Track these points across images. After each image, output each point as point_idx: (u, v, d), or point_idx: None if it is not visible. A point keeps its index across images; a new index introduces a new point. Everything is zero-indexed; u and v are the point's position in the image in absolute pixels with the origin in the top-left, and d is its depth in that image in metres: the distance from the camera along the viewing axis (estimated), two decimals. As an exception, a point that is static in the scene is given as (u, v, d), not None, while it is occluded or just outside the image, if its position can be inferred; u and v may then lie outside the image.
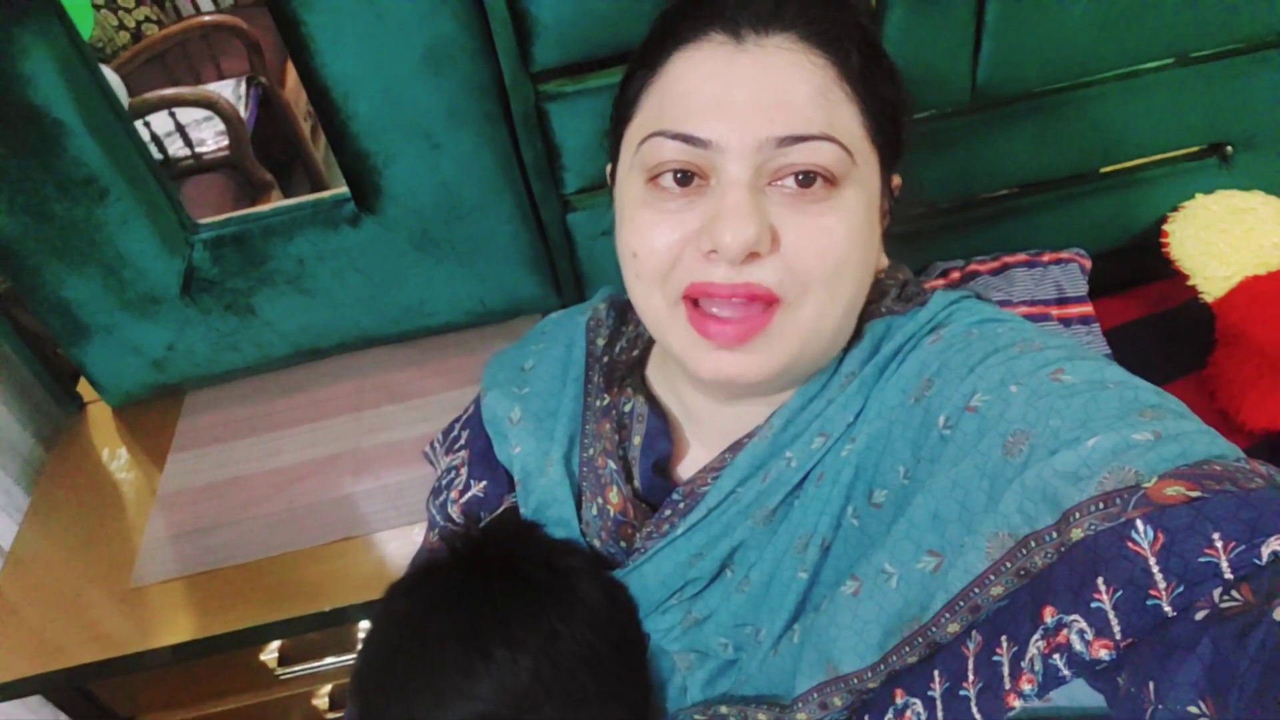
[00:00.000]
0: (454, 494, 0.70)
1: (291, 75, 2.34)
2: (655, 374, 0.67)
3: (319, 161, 2.22)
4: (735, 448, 0.58)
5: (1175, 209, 1.07)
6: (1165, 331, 1.09)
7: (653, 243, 0.52)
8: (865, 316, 0.58)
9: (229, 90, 2.07)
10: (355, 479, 1.04)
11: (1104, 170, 1.07)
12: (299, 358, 1.17)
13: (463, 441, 0.73)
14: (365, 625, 1.00)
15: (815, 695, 0.52)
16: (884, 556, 0.50)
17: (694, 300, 0.52)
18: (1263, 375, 0.94)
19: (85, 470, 1.14)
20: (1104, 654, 0.37)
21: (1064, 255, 1.07)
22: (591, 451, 0.64)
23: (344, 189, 1.03)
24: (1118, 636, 0.37)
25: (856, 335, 0.57)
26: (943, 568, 0.47)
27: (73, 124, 0.93)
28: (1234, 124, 1.02)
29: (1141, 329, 1.10)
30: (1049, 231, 1.08)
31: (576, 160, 1.00)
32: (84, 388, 1.22)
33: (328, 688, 1.05)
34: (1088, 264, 1.07)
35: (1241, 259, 0.99)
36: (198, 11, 2.57)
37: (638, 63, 0.55)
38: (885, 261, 0.59)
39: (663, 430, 0.63)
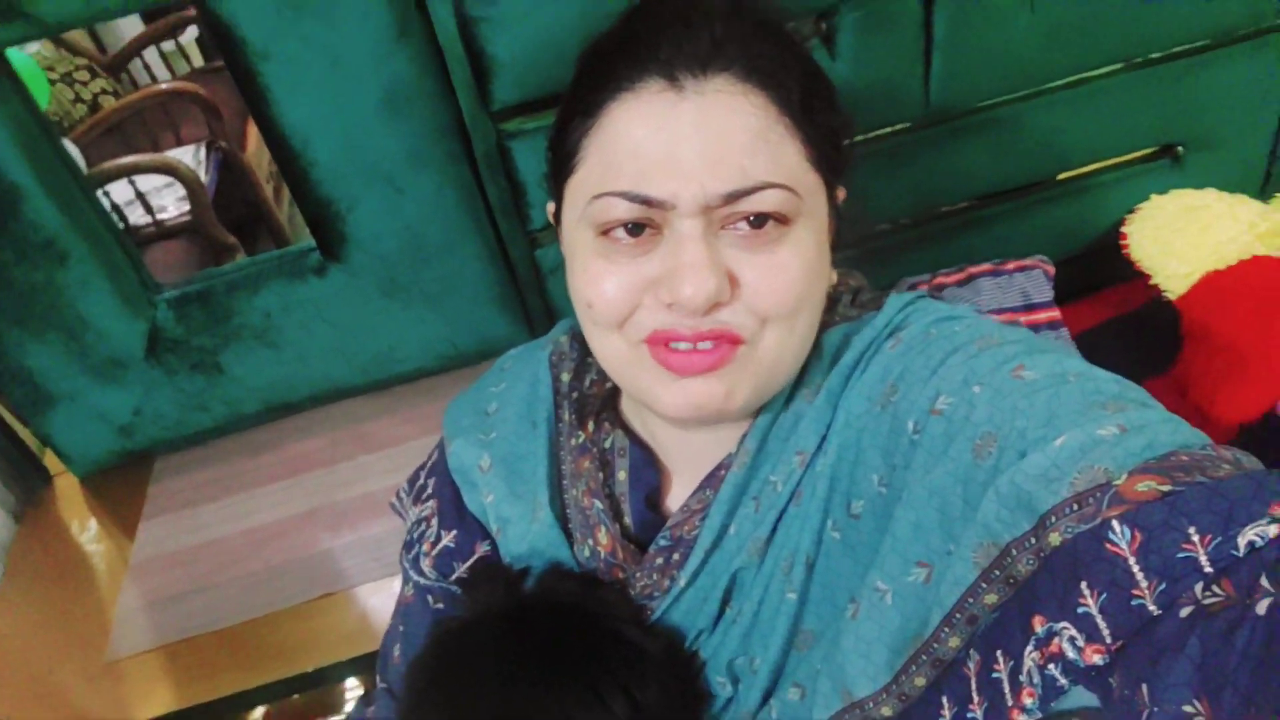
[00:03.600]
0: (425, 546, 0.67)
1: (252, 138, 2.33)
2: (628, 406, 0.65)
3: (283, 222, 2.21)
4: (713, 481, 0.57)
5: (1132, 211, 1.09)
6: (1133, 332, 1.10)
7: (607, 293, 0.51)
8: (820, 328, 0.57)
9: (189, 156, 2.06)
10: (333, 533, 1.02)
11: (1060, 177, 1.09)
12: (269, 414, 1.15)
13: (430, 490, 0.70)
14: (351, 683, 0.97)
15: None
16: (876, 575, 0.49)
17: (658, 342, 0.52)
18: (1232, 369, 0.95)
19: (54, 544, 1.10)
20: (1097, 659, 0.37)
21: (1027, 263, 1.08)
22: (575, 492, 0.62)
23: (309, 241, 1.03)
24: (1108, 640, 0.37)
25: (814, 347, 0.56)
26: (933, 578, 0.46)
27: (29, 188, 0.92)
28: (1183, 125, 1.04)
29: (1109, 331, 1.11)
30: (1011, 241, 1.10)
31: (542, 196, 1.00)
32: (51, 460, 1.19)
33: (315, 752, 1.02)
34: (1051, 270, 1.08)
35: (1200, 256, 1.01)
36: (154, 81, 2.57)
37: (572, 108, 0.53)
38: (835, 277, 0.58)
39: (649, 461, 0.61)
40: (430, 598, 0.65)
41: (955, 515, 0.45)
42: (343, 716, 0.99)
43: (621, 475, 0.61)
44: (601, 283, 0.51)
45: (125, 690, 0.92)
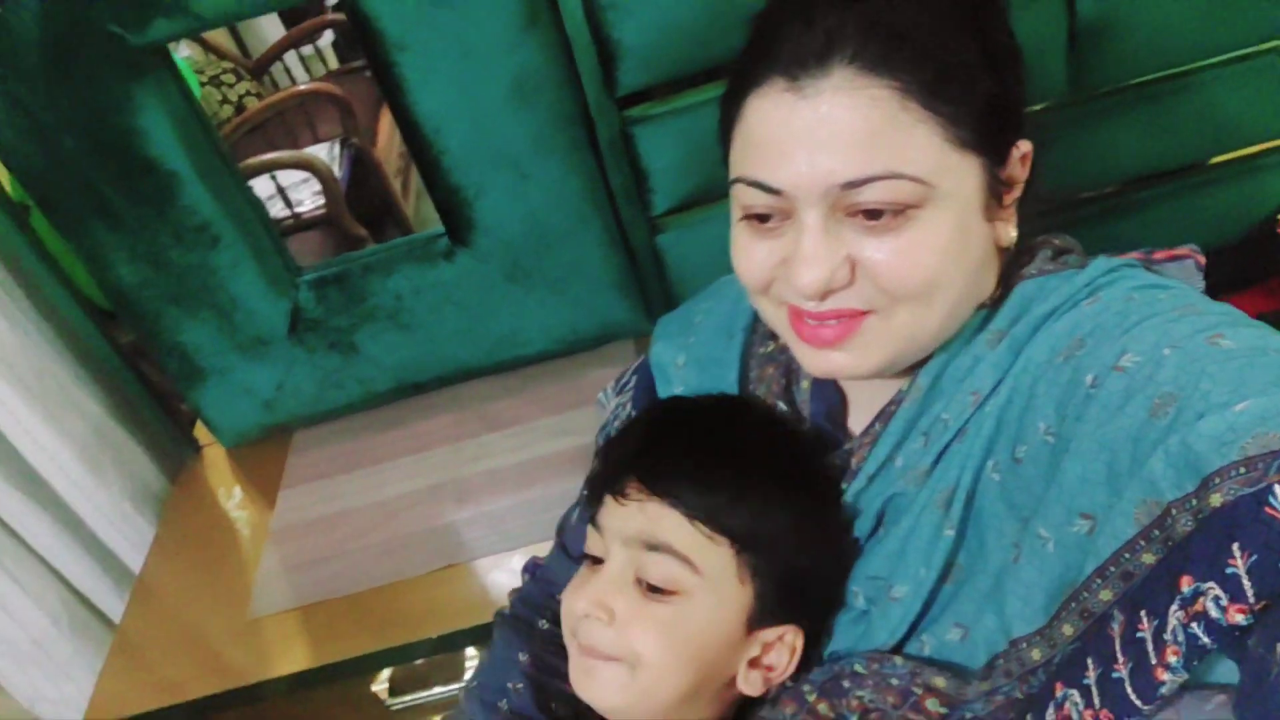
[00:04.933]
0: (618, 424, 0.77)
1: (382, 135, 2.44)
2: None
3: (408, 215, 2.31)
4: (885, 416, 0.60)
5: (1296, 196, 1.01)
6: (1295, 326, 1.02)
7: (751, 265, 0.57)
8: (1015, 278, 0.57)
9: (324, 152, 2.17)
10: (457, 507, 1.05)
11: (1215, 161, 1.02)
12: (400, 392, 1.20)
13: (631, 384, 0.80)
14: (471, 652, 1.00)
15: (1000, 662, 0.52)
16: (1039, 523, 0.51)
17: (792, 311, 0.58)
18: None
19: (203, 510, 1.18)
20: (1240, 619, 0.38)
21: (1178, 251, 1.01)
22: (760, 391, 0.68)
23: (439, 227, 1.06)
24: (1251, 600, 0.37)
25: (1005, 295, 0.57)
26: (1095, 531, 0.47)
27: (186, 174, 0.99)
28: (1356, 102, 0.96)
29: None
30: (1159, 228, 1.04)
31: (664, 182, 1.00)
32: (201, 432, 1.27)
33: (437, 719, 1.06)
34: (1202, 260, 1.01)
35: (1374, 244, 0.93)
36: (294, 83, 2.73)
37: (729, 94, 0.58)
38: (1013, 235, 0.57)
39: (831, 380, 0.65)
40: None
41: (1122, 471, 0.46)
42: (465, 679, 1.02)
43: (804, 384, 0.66)
44: (745, 255, 0.58)
45: (266, 646, 0.98)
